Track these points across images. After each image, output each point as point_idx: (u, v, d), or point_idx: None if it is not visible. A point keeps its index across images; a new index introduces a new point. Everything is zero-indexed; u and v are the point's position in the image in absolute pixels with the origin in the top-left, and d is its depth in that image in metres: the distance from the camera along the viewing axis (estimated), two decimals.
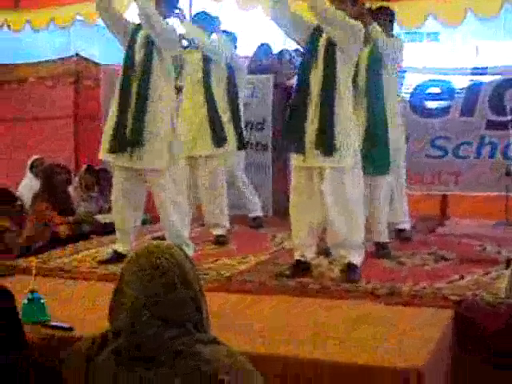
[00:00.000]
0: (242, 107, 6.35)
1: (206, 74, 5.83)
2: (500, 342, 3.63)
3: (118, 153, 4.87)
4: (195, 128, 5.81)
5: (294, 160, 4.58)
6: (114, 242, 5.18)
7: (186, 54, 6.01)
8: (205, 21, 5.95)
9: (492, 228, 6.54)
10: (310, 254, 4.57)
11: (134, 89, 4.82)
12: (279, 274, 4.55)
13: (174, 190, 4.94)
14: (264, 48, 7.80)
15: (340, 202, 4.39)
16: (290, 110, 4.59)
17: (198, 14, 6.20)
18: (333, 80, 4.38)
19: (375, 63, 5.15)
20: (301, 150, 4.45)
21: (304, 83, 4.48)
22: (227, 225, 5.92)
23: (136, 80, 4.83)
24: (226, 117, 5.98)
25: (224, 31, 6.28)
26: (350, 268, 4.42)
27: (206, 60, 5.85)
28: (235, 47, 6.56)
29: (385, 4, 6.02)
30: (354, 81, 4.74)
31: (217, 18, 6.13)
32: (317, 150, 4.37)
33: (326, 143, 4.35)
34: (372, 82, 5.12)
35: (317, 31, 4.49)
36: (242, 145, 6.23)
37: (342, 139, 4.37)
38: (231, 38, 6.46)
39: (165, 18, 4.97)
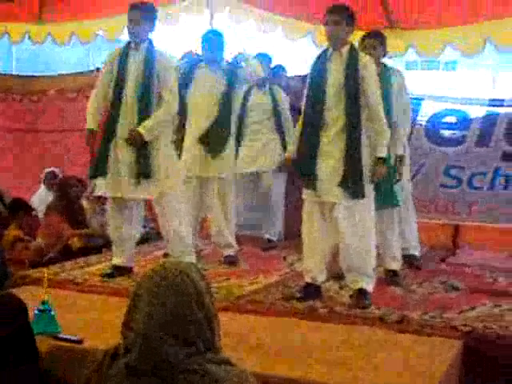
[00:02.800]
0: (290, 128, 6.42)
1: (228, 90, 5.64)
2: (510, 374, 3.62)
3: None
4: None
5: (307, 194, 4.50)
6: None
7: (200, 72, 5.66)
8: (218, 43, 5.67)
9: (504, 260, 6.48)
10: (320, 278, 4.55)
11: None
12: (289, 296, 4.55)
13: (175, 199, 4.99)
14: (276, 69, 7.84)
15: (354, 228, 4.37)
16: (300, 141, 4.50)
17: (211, 32, 5.87)
18: (357, 117, 4.33)
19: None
20: (315, 186, 4.39)
21: (316, 115, 4.40)
22: (236, 245, 5.87)
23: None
24: (266, 137, 6.48)
25: (260, 54, 6.40)
26: (361, 293, 4.40)
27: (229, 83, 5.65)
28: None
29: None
30: None
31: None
32: (344, 192, 4.32)
33: (355, 188, 4.30)
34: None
35: (323, 57, 4.45)
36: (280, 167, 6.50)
37: (366, 177, 4.37)
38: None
39: (148, 32, 4.94)
